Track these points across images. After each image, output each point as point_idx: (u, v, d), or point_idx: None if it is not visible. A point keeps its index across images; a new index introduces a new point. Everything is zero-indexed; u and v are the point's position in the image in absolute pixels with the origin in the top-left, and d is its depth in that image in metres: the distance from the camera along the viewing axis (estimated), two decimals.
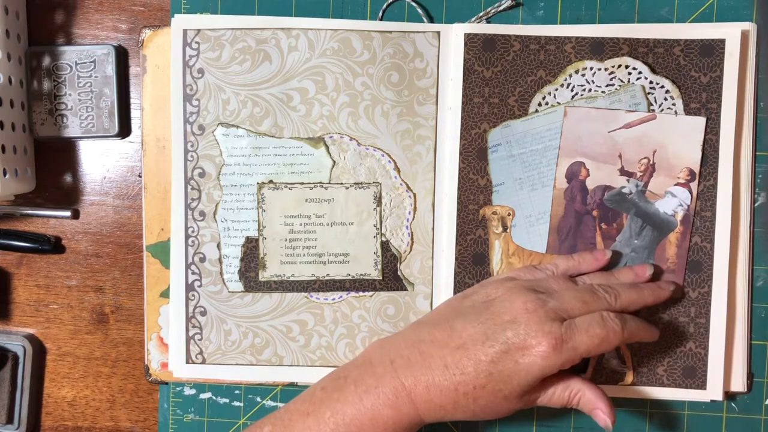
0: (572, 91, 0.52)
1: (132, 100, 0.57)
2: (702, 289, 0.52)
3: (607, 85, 0.52)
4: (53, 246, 0.57)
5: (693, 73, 0.52)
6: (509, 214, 0.53)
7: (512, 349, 0.44)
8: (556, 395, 0.46)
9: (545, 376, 0.45)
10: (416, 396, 0.45)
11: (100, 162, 0.57)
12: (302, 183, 0.54)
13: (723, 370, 0.52)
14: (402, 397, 0.45)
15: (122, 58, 0.56)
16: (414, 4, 0.54)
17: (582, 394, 0.46)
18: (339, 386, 0.47)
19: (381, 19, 0.54)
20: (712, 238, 0.52)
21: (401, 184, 0.54)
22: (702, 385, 0.53)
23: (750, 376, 0.54)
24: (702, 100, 0.52)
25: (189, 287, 0.55)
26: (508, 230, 0.53)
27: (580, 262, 0.51)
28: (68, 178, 0.57)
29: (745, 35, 0.52)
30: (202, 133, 0.54)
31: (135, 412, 0.58)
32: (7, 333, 0.58)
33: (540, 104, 0.53)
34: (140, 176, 0.56)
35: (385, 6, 0.54)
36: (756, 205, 0.53)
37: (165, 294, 0.55)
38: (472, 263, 0.53)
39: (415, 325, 0.49)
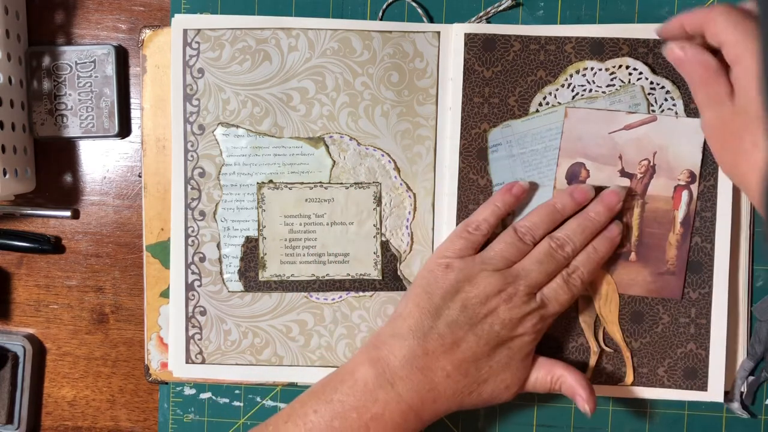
0: (573, 91, 0.52)
1: (132, 100, 0.57)
2: (703, 289, 0.52)
3: (608, 86, 0.52)
4: (53, 246, 0.57)
5: None
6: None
7: (504, 340, 0.47)
8: (539, 381, 0.49)
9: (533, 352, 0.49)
10: (424, 412, 0.47)
11: (100, 162, 0.57)
12: (302, 183, 0.54)
13: (724, 371, 0.52)
14: (410, 418, 0.46)
15: (122, 58, 0.56)
16: (414, 4, 0.54)
17: (563, 379, 0.48)
18: (337, 413, 0.46)
19: (381, 19, 0.54)
20: (712, 238, 0.52)
21: (401, 184, 0.54)
22: (703, 386, 0.52)
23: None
24: None
25: (189, 287, 0.55)
26: None
27: (504, 205, 0.51)
28: (68, 178, 0.57)
29: None
30: (202, 133, 0.54)
31: (135, 412, 0.58)
32: (7, 333, 0.58)
33: (540, 104, 0.52)
34: (140, 176, 0.56)
35: (385, 6, 0.54)
36: None
37: (165, 294, 0.55)
38: None
39: (399, 338, 0.47)
